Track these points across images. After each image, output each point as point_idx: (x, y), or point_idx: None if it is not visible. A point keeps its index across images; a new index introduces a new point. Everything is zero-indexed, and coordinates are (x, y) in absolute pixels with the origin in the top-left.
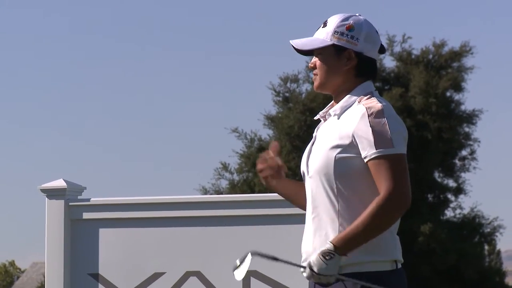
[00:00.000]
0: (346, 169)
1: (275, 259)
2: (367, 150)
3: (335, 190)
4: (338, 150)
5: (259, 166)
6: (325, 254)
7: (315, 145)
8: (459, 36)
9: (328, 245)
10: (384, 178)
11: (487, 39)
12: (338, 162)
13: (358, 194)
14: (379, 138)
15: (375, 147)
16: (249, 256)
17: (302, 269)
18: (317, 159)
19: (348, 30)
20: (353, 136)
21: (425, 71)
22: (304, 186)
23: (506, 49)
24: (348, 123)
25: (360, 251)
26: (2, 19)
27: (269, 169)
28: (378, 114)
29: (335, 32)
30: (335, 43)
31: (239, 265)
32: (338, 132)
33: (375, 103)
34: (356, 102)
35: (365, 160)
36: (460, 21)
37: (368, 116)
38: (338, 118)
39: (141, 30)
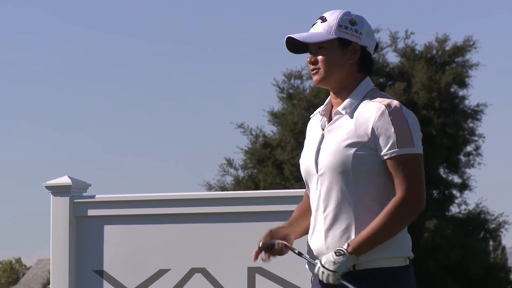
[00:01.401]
0: (364, 166)
1: (299, 254)
2: (388, 148)
3: (351, 187)
4: (356, 148)
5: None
6: (337, 252)
7: (324, 143)
8: (462, 32)
9: (344, 245)
10: (403, 179)
11: (490, 34)
12: (356, 159)
13: (373, 192)
14: (401, 136)
15: (397, 146)
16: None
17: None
18: (331, 156)
19: (352, 24)
20: (372, 133)
21: (426, 66)
22: (299, 211)
23: (509, 43)
24: (365, 120)
25: (376, 248)
26: (5, 18)
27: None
28: (398, 112)
29: (339, 25)
30: (340, 36)
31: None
32: (354, 129)
33: (391, 100)
34: (367, 99)
35: (385, 158)
36: (463, 16)
37: (389, 114)
38: (351, 116)
39: (145, 26)
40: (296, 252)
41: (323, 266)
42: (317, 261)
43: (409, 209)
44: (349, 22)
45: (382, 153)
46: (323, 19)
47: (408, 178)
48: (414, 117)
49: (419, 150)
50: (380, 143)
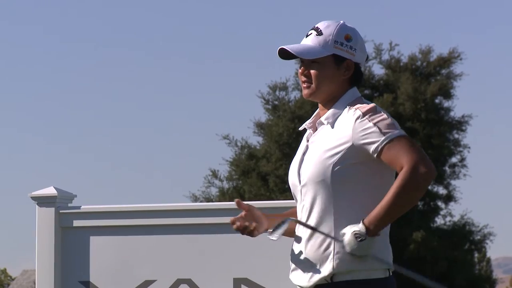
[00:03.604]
0: (343, 176)
1: (313, 228)
2: (376, 142)
3: (332, 197)
4: (336, 157)
5: (238, 225)
6: (357, 236)
7: (308, 154)
8: (446, 44)
9: (360, 226)
10: (402, 154)
11: (474, 46)
12: (335, 169)
13: (353, 201)
14: (383, 127)
15: (383, 135)
16: (287, 221)
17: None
18: (312, 167)
19: (347, 40)
20: (352, 140)
21: (411, 77)
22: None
23: (493, 56)
24: (344, 129)
25: (353, 259)
26: None
27: (247, 222)
28: (374, 111)
29: (335, 41)
30: (336, 53)
31: (275, 229)
32: (334, 139)
33: (366, 104)
34: (347, 107)
35: (377, 154)
36: (446, 29)
37: (363, 115)
38: (332, 126)
39: (133, 39)
40: (310, 226)
41: (350, 253)
42: (294, 272)
43: (419, 176)
44: (344, 37)
45: (372, 151)
46: (319, 32)
47: (408, 151)
48: (388, 114)
49: (404, 133)
50: (365, 143)
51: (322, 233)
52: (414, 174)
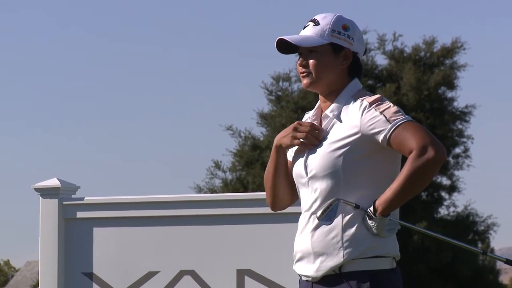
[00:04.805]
0: (353, 166)
1: (357, 207)
2: (384, 130)
3: (342, 189)
4: (346, 148)
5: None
6: (369, 218)
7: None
8: (450, 35)
9: (371, 209)
10: (410, 138)
11: (479, 37)
12: (345, 160)
13: (363, 191)
14: (389, 115)
15: (390, 122)
16: (336, 203)
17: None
18: (321, 159)
19: (345, 29)
20: (361, 130)
21: (414, 67)
22: (294, 187)
23: (497, 46)
24: (352, 120)
25: (362, 248)
26: None
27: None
28: (379, 101)
29: (332, 30)
30: (333, 41)
31: (324, 213)
32: (341, 131)
33: (372, 95)
34: (352, 99)
35: (386, 141)
36: (450, 20)
37: (371, 106)
38: (338, 119)
39: (135, 30)
40: (353, 205)
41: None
42: (299, 262)
43: (431, 158)
44: (342, 27)
45: (381, 139)
46: (316, 23)
47: (417, 135)
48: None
49: (411, 119)
50: (373, 132)
51: (357, 206)
52: (424, 157)
